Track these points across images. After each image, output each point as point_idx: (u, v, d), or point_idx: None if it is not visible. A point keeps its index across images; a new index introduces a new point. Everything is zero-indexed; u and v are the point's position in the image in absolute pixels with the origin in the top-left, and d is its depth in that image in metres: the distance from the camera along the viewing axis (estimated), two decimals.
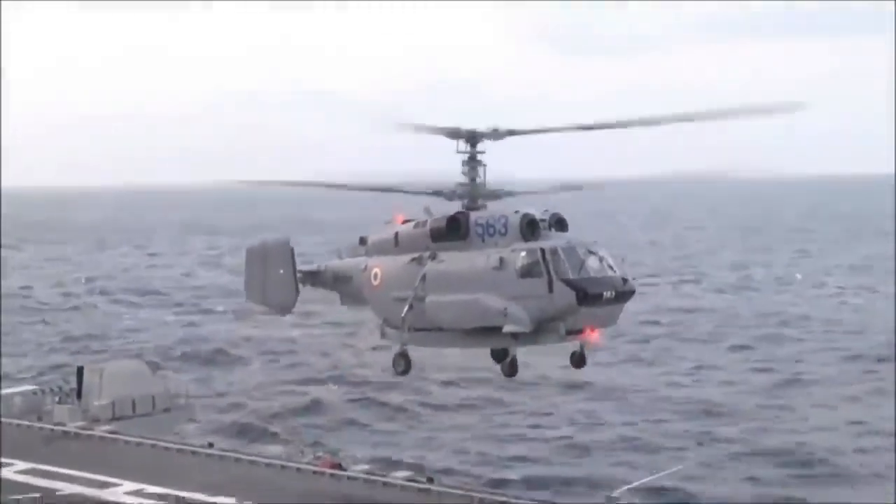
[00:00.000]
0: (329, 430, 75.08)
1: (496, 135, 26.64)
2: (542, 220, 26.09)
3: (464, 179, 27.41)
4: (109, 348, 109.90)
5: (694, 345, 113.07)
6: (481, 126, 26.90)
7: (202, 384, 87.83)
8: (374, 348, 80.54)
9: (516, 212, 26.35)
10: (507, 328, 25.26)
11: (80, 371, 58.32)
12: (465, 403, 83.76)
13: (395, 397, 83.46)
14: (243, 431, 72.76)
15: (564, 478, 64.87)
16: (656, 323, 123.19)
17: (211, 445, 49.17)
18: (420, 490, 39.23)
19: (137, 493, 38.40)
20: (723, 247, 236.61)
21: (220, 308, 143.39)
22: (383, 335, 29.47)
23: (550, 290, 24.58)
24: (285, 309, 31.96)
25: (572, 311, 24.62)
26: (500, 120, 27.57)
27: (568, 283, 24.48)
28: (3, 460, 42.63)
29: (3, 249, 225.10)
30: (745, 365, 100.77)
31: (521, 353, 26.97)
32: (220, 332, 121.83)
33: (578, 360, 26.41)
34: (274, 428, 74.02)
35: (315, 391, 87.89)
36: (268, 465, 44.29)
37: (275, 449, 62.27)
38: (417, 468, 50.79)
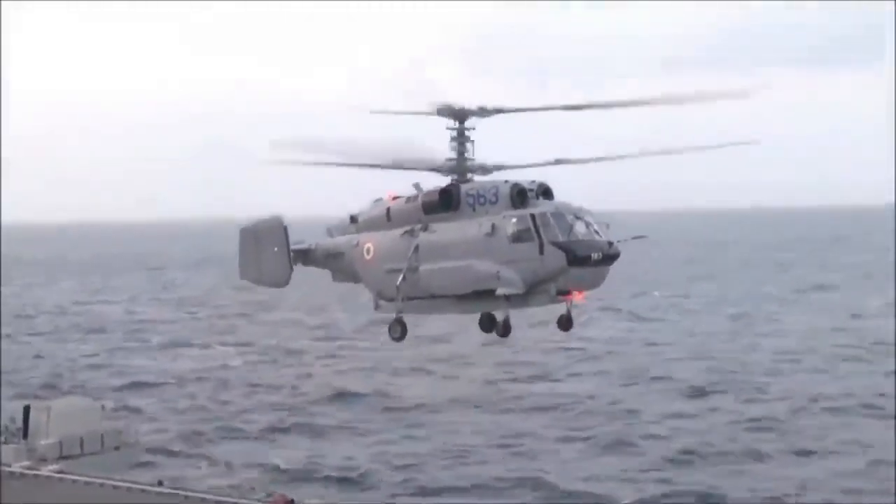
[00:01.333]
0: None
1: (484, 112, 26.45)
2: (530, 190, 25.74)
3: (453, 155, 27.04)
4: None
5: None
6: (470, 104, 26.49)
7: None
8: None
9: (505, 181, 26.13)
10: (501, 290, 25.09)
11: (26, 409, 56.21)
12: None
13: None
14: None
15: None
16: None
17: (161, 483, 47.62)
18: None
19: None
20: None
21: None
22: (377, 307, 28.67)
23: (541, 252, 24.51)
24: (280, 284, 30.63)
25: (562, 272, 24.52)
26: None
27: (558, 245, 24.41)
28: None
29: None
30: None
31: None
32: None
33: (566, 322, 26.12)
34: None
35: None
36: (217, 501, 43.09)
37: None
38: None
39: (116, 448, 55.51)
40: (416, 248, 26.60)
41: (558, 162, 26.86)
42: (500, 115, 26.66)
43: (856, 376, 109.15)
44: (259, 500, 44.23)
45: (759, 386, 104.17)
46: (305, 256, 30.50)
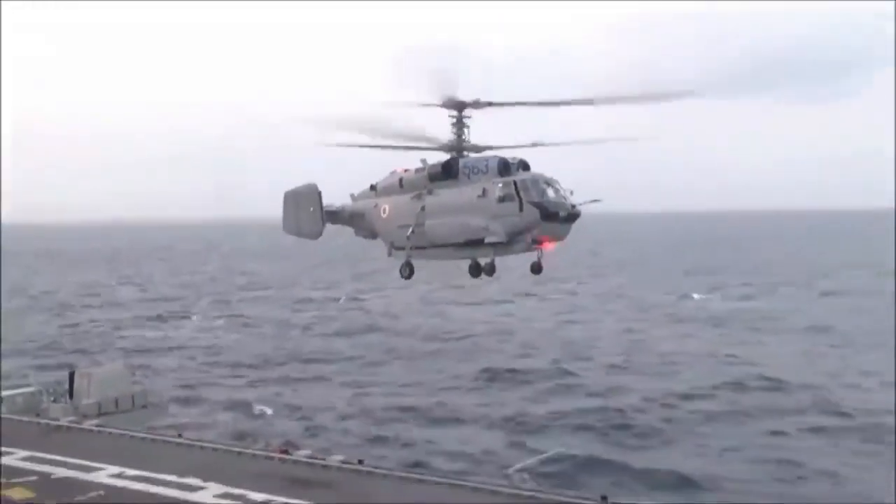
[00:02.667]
0: None
1: (478, 104, 31.01)
2: (513, 163, 30.59)
3: (453, 137, 31.99)
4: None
5: None
6: (467, 97, 31.08)
7: None
8: None
9: (494, 157, 31.01)
10: (489, 239, 29.88)
11: (71, 375, 60.93)
12: None
13: None
14: None
15: None
16: None
17: (180, 435, 51.12)
18: (352, 470, 41.99)
19: (118, 476, 39.91)
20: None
21: None
22: (390, 254, 33.93)
23: (521, 209, 29.06)
24: (314, 236, 35.68)
25: (537, 225, 29.04)
26: None
27: (534, 204, 28.87)
28: (7, 449, 44.29)
29: None
30: None
31: None
32: None
33: (537, 268, 30.78)
34: None
35: None
36: (227, 450, 46.25)
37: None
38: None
39: (144, 406, 60.13)
40: (423, 208, 31.89)
41: (534, 145, 31.56)
42: (490, 108, 31.08)
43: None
44: (260, 449, 47.83)
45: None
46: (334, 216, 35.78)
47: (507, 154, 31.58)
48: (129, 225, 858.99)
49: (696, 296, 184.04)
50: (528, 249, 29.93)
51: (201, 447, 47.34)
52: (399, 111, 30.34)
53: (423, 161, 32.85)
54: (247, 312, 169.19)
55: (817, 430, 77.34)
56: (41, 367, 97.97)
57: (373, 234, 35.27)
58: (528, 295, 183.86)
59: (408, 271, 33.14)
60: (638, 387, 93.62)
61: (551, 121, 32.25)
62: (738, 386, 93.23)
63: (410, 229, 32.27)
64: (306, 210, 35.34)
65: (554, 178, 29.88)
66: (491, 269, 31.74)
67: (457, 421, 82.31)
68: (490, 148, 32.16)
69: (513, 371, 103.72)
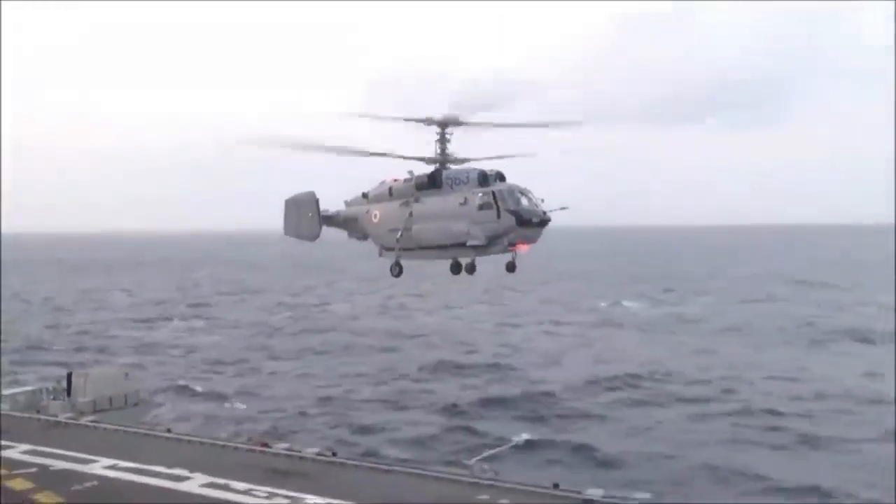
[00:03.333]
0: None
1: (456, 122, 33.39)
2: (490, 175, 32.89)
3: (437, 150, 34.33)
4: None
5: None
6: (445, 116, 33.45)
7: None
8: None
9: (474, 169, 33.29)
10: (470, 243, 32.22)
11: (69, 375, 62.38)
12: None
13: None
14: None
15: None
16: None
17: (169, 431, 52.89)
18: (326, 461, 44.10)
19: (112, 468, 41.37)
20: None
21: None
22: (380, 255, 36.11)
23: (499, 216, 31.42)
24: (312, 239, 38.06)
25: (513, 230, 31.34)
26: None
27: (510, 212, 31.21)
28: (8, 443, 45.39)
29: None
30: None
31: None
32: None
33: (511, 267, 32.72)
34: None
35: None
36: (211, 444, 48.16)
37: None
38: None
39: (136, 404, 61.33)
40: (411, 214, 34.15)
41: (501, 157, 34.01)
42: (468, 126, 33.37)
43: None
44: (243, 443, 49.48)
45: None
46: (330, 220, 37.94)
47: (481, 166, 33.82)
48: (131, 235, 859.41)
49: (626, 303, 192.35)
50: (505, 251, 32.12)
51: (188, 441, 49.09)
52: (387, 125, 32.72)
53: (410, 172, 35.11)
54: (226, 315, 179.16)
55: (706, 414, 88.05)
56: (29, 365, 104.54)
57: (364, 237, 37.39)
58: (479, 302, 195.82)
59: (397, 270, 35.48)
60: (560, 378, 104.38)
61: (520, 137, 34.31)
62: (638, 377, 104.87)
63: (399, 233, 34.56)
64: (305, 215, 37.61)
65: (527, 188, 32.23)
66: (471, 269, 34.35)
67: (403, 408, 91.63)
68: (467, 160, 34.48)
69: (456, 365, 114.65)
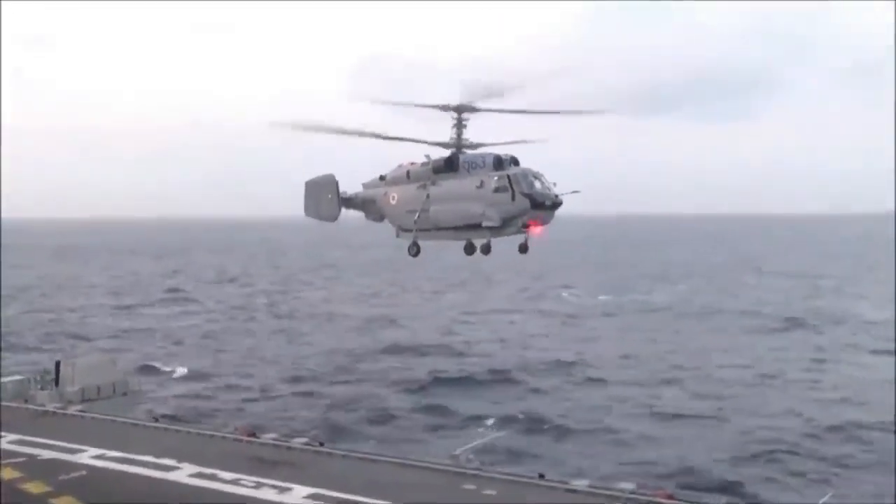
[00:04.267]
0: None
1: (473, 109, 33.76)
2: (505, 159, 33.31)
3: (454, 135, 34.63)
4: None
5: None
6: (461, 102, 33.66)
7: None
8: None
9: (490, 153, 33.62)
10: (485, 224, 32.71)
11: (57, 364, 61.77)
12: None
13: None
14: None
15: None
16: None
17: (157, 420, 52.54)
18: (314, 451, 43.99)
19: (100, 457, 41.19)
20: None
21: None
22: (398, 235, 36.59)
23: (513, 199, 31.93)
24: (332, 219, 38.40)
25: (526, 212, 31.95)
26: None
27: (524, 194, 31.74)
28: None
29: None
30: None
31: None
32: None
33: (524, 248, 33.62)
34: None
35: None
36: (199, 434, 47.86)
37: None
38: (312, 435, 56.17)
39: (124, 394, 60.63)
40: (428, 196, 34.54)
41: (514, 142, 34.37)
42: (483, 112, 33.71)
43: None
44: (229, 432, 48.83)
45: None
46: (349, 202, 38.19)
47: (496, 151, 34.14)
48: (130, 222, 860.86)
49: (564, 294, 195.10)
50: (518, 232, 32.82)
51: (176, 431, 48.88)
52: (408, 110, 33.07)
53: (428, 156, 35.43)
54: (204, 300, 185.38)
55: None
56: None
57: (381, 218, 37.65)
58: (453, 291, 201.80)
59: (415, 250, 35.85)
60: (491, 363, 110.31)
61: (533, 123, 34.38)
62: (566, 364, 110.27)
63: (417, 214, 34.93)
64: (325, 197, 37.96)
65: (540, 171, 32.73)
66: (487, 249, 34.41)
67: (358, 381, 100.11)
68: (482, 145, 34.87)
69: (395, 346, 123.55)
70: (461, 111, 34.18)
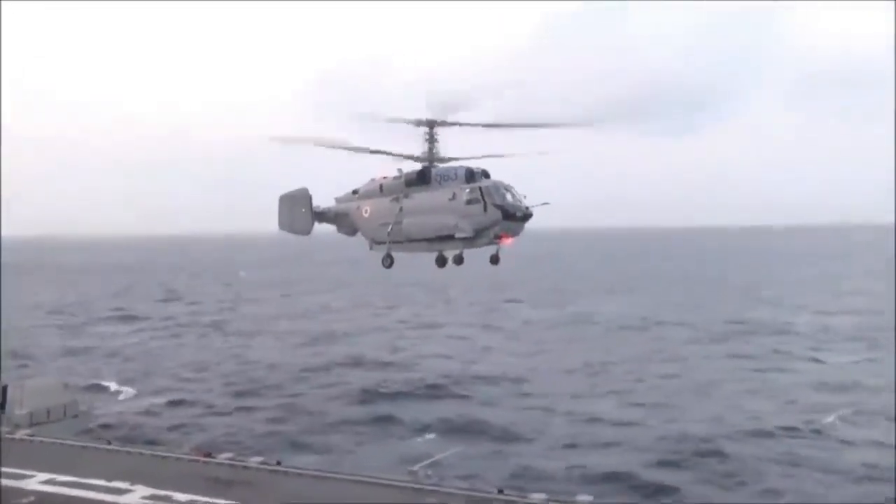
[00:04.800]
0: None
1: (444, 124, 33.83)
2: (477, 172, 33.57)
3: (425, 149, 34.71)
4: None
5: None
6: (433, 117, 33.69)
7: None
8: None
9: (461, 166, 33.89)
10: (458, 235, 33.01)
11: (4, 388, 59.99)
12: None
13: None
14: None
15: None
16: None
17: (109, 442, 51.24)
18: (270, 470, 43.60)
19: (49, 482, 40.21)
20: None
21: None
22: (371, 248, 36.66)
23: (485, 210, 32.27)
24: (305, 233, 38.31)
25: (498, 223, 32.26)
26: None
27: (496, 206, 32.14)
28: None
29: None
30: None
31: None
32: None
33: (494, 259, 33.52)
34: None
35: None
36: (152, 455, 46.75)
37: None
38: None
39: (75, 416, 59.12)
40: (401, 209, 34.76)
41: (483, 157, 34.33)
42: (455, 127, 33.66)
43: None
44: (185, 453, 48.32)
45: None
46: (321, 216, 38.20)
47: (471, 163, 34.31)
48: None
49: (511, 307, 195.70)
50: (491, 243, 33.06)
51: (128, 452, 47.78)
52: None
53: (400, 170, 35.65)
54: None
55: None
56: None
57: (353, 232, 37.76)
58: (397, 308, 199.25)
59: (389, 262, 35.91)
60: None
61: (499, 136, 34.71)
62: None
63: (390, 227, 35.09)
64: (299, 211, 37.97)
65: (511, 184, 33.11)
66: (459, 260, 34.70)
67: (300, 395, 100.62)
68: (452, 159, 35.03)
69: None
70: (433, 125, 34.45)
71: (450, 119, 33.48)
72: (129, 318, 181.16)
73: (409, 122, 33.82)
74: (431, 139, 34.58)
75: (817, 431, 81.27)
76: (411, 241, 34.91)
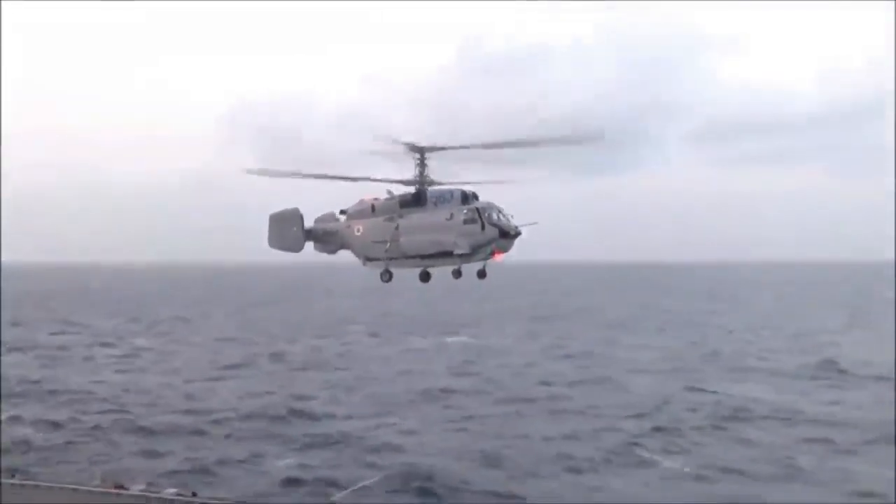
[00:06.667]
0: None
1: (433, 149, 35.07)
2: (470, 194, 34.84)
3: (416, 173, 35.67)
4: None
5: None
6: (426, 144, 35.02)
7: None
8: None
9: (456, 189, 35.17)
10: (457, 251, 34.36)
11: None
12: None
13: None
14: None
15: None
16: None
17: (13, 476, 48.26)
18: (185, 502, 41.67)
19: None
20: None
21: None
22: (364, 264, 37.42)
23: (483, 229, 33.92)
24: (295, 251, 38.54)
25: (495, 240, 33.92)
26: None
27: (493, 225, 33.80)
28: None
29: None
30: None
31: None
32: None
33: (481, 274, 35.28)
34: None
35: None
36: (61, 488, 44.14)
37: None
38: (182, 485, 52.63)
39: None
40: (398, 227, 35.93)
41: (466, 183, 35.37)
42: (444, 151, 34.88)
43: None
44: (96, 485, 45.70)
45: None
46: (309, 234, 38.60)
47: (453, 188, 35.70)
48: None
49: (448, 339, 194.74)
50: (486, 258, 34.67)
51: (35, 486, 44.72)
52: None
53: (390, 192, 36.64)
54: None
55: None
56: None
57: (336, 250, 38.49)
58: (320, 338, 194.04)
59: (388, 277, 36.97)
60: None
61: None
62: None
63: (387, 244, 36.11)
64: (290, 229, 38.36)
65: (502, 207, 34.65)
66: (458, 274, 35.59)
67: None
68: (441, 183, 36.17)
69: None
70: (423, 151, 35.57)
71: (438, 144, 35.02)
72: (17, 349, 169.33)
73: (404, 146, 34.89)
74: (422, 164, 35.77)
75: None
76: (408, 256, 36.07)
